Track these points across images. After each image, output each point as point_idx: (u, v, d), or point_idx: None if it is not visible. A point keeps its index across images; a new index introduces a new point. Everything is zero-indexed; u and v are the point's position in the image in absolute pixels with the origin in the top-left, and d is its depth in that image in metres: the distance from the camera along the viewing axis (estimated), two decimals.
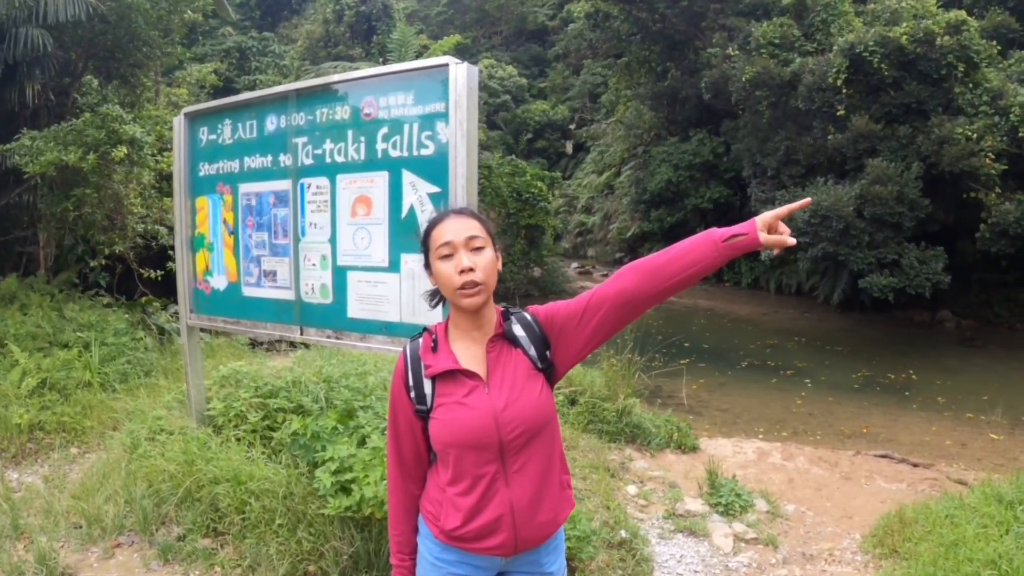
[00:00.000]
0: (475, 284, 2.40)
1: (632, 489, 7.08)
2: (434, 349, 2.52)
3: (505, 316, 2.59)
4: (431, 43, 33.77)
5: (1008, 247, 19.72)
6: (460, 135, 3.83)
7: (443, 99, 3.96)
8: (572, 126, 48.33)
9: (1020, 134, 18.93)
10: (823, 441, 11.56)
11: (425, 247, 2.53)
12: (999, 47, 21.39)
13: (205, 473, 5.21)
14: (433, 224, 2.51)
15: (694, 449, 8.95)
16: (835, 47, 21.35)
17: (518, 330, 2.55)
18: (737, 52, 24.51)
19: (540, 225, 26.18)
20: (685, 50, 30.83)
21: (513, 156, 32.20)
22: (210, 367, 7.75)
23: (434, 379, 2.49)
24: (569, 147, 47.72)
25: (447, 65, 3.92)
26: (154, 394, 8.00)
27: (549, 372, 2.57)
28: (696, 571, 5.60)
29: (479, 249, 2.45)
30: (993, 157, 19.19)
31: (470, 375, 2.47)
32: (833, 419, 13.09)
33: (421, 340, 2.58)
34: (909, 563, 5.53)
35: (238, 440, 5.58)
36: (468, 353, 2.51)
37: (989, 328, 22.34)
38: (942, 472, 9.59)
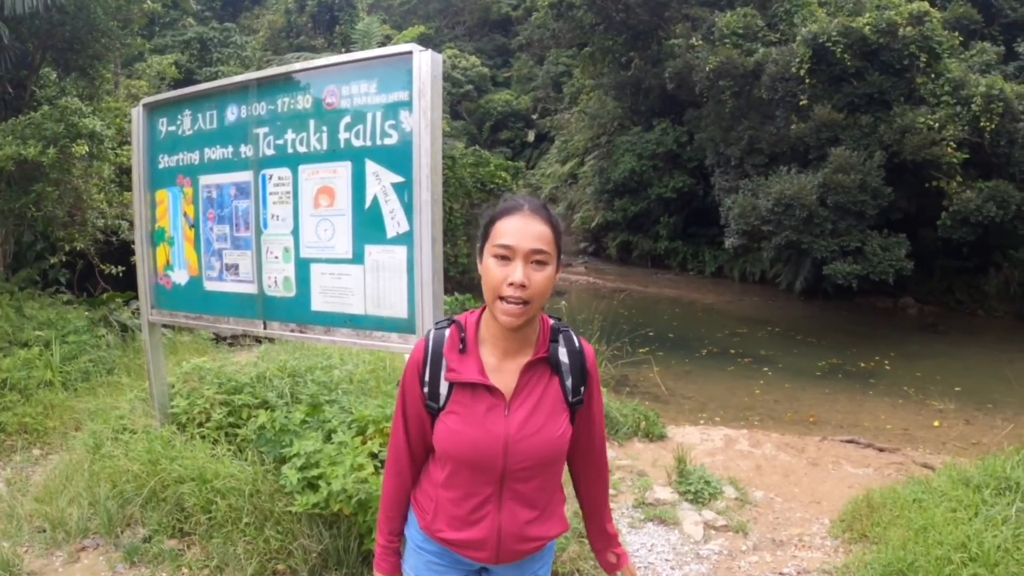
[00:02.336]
0: (522, 302, 2.15)
1: None
2: (462, 349, 2.30)
3: (553, 335, 2.37)
4: (394, 33, 33.52)
5: (969, 234, 20.08)
6: (424, 124, 3.76)
7: (407, 87, 3.88)
8: (535, 116, 48.14)
9: (981, 123, 19.26)
10: (790, 427, 11.62)
11: (484, 234, 2.25)
12: (961, 38, 21.69)
13: (169, 472, 5.10)
14: (500, 215, 2.23)
15: (662, 437, 8.95)
16: (798, 37, 21.51)
17: (563, 355, 2.35)
18: (701, 42, 24.61)
19: None
20: (649, 40, 30.72)
21: (476, 146, 32.04)
22: (174, 363, 7.63)
23: (452, 384, 2.29)
24: (531, 136, 47.53)
25: (411, 53, 3.85)
26: (117, 392, 7.86)
27: (576, 409, 2.39)
28: (667, 560, 5.59)
29: (541, 264, 2.18)
30: (955, 146, 19.53)
31: (493, 391, 2.27)
32: (799, 405, 13.17)
33: (447, 332, 2.34)
34: (879, 547, 5.55)
35: (203, 438, 5.47)
36: (498, 364, 2.31)
37: (951, 314, 22.66)
38: (908, 456, 9.66)
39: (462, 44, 53.91)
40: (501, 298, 2.16)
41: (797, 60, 21.25)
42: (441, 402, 2.29)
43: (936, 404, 13.43)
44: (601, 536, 2.70)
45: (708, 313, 23.14)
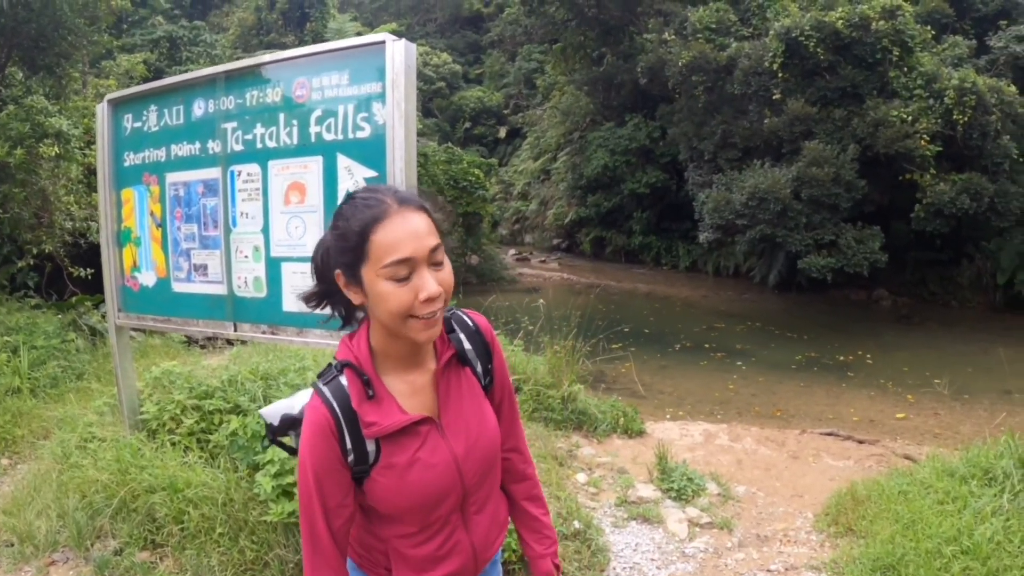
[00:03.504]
0: (437, 311, 1.88)
1: (582, 477, 6.96)
2: (370, 396, 1.94)
3: (447, 325, 2.12)
4: (366, 30, 33.32)
5: (943, 226, 20.24)
6: (398, 116, 3.62)
7: (380, 79, 3.74)
8: (508, 112, 48.04)
9: (954, 116, 19.38)
10: (768, 421, 11.57)
11: (353, 254, 1.86)
12: (933, 32, 21.87)
13: (140, 482, 4.93)
14: (371, 225, 1.84)
15: (641, 433, 8.86)
16: (771, 32, 21.55)
17: (465, 343, 2.14)
18: (673, 37, 24.64)
19: (478, 213, 25.99)
20: (621, 36, 30.76)
21: (449, 143, 31.96)
22: (144, 368, 7.43)
23: (378, 439, 1.94)
24: (503, 132, 47.43)
25: (383, 43, 3.70)
26: (86, 399, 7.67)
27: (490, 387, 2.20)
28: (653, 559, 5.50)
29: (439, 261, 1.89)
30: (928, 139, 19.65)
31: (422, 422, 1.99)
32: (776, 399, 13.14)
33: (344, 381, 1.94)
34: (867, 541, 5.49)
35: (174, 445, 5.30)
36: (409, 389, 2.02)
37: (925, 305, 22.81)
38: (888, 448, 9.64)
39: (433, 41, 53.86)
40: (415, 318, 1.85)
41: (770, 54, 21.32)
42: (370, 460, 1.94)
43: (914, 395, 13.45)
44: (536, 535, 2.38)
45: (683, 308, 23.11)
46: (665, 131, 28.89)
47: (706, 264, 28.35)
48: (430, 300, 1.83)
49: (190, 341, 11.79)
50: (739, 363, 15.83)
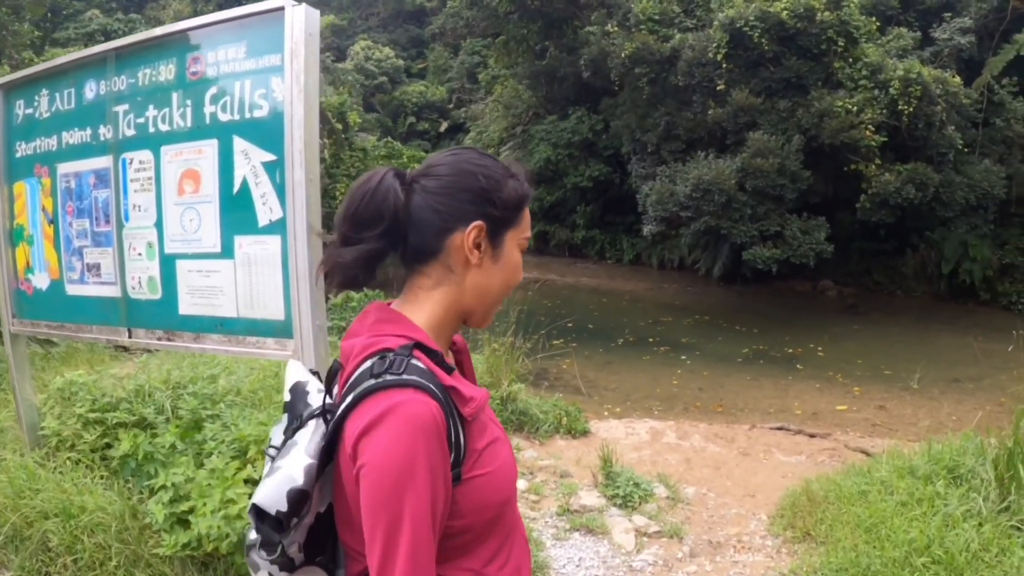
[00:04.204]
0: None
1: (522, 484, 6.58)
2: (450, 371, 1.61)
3: None
4: None
5: (888, 216, 20.42)
6: (297, 91, 3.17)
7: (279, 50, 3.29)
8: (451, 107, 47.58)
9: (899, 107, 19.48)
10: (716, 416, 11.31)
11: (508, 214, 1.66)
12: (878, 23, 21.89)
13: (34, 507, 4.42)
14: (526, 198, 1.72)
15: (585, 433, 8.53)
16: (715, 22, 21.39)
17: None
18: (616, 29, 24.29)
19: None
20: (563, 28, 30.45)
21: (389, 138, 31.43)
22: (61, 376, 6.85)
23: (468, 420, 1.59)
24: (444, 126, 46.97)
25: (282, 8, 3.25)
26: None
27: None
28: (597, 575, 5.13)
29: None
30: (873, 129, 19.72)
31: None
32: (724, 393, 12.95)
33: (419, 363, 1.55)
34: (827, 548, 5.18)
35: (75, 464, 4.81)
36: None
37: (870, 295, 23.00)
38: (839, 441, 9.44)
39: (376, 35, 53.24)
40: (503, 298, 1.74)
41: (714, 45, 21.13)
42: (462, 453, 1.55)
43: (862, 387, 13.33)
44: None
45: (628, 301, 22.93)
46: (608, 124, 28.69)
47: (650, 257, 28.12)
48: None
49: (118, 346, 11.15)
50: (684, 357, 15.64)
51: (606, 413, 10.89)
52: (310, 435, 1.58)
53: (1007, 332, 18.06)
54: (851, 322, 19.70)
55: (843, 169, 20.76)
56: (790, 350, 16.18)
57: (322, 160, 23.46)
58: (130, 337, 4.15)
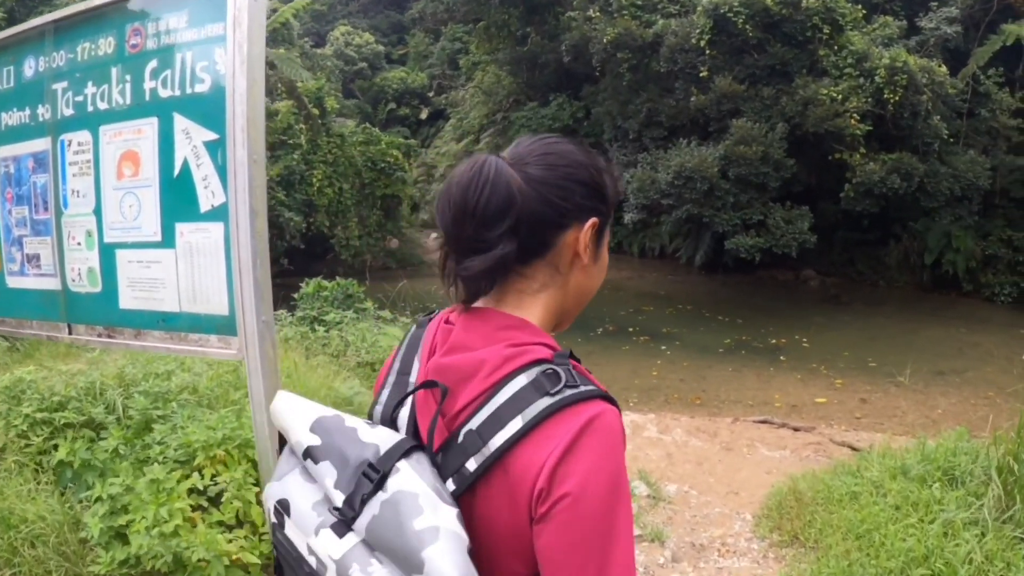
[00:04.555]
0: None
1: None
2: None
3: None
4: (279, 5, 32.14)
5: (872, 206, 20.25)
6: (239, 61, 2.82)
7: (222, 18, 2.95)
8: (432, 93, 47.11)
9: (885, 95, 19.34)
10: (697, 409, 11.06)
11: (610, 215, 1.54)
12: (864, 11, 21.72)
13: None
14: (621, 195, 1.62)
15: None
16: (699, 8, 21.17)
17: None
18: (598, 14, 23.88)
19: (396, 195, 25.45)
20: (545, 14, 30.08)
21: (367, 124, 31.03)
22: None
23: None
24: (426, 113, 46.55)
25: None
26: None
27: None
28: None
29: None
30: (858, 118, 19.54)
31: None
32: (706, 384, 12.77)
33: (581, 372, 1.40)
34: (817, 556, 4.91)
35: (21, 468, 4.44)
36: None
37: (852, 285, 22.90)
38: (824, 435, 9.23)
39: (356, 21, 52.48)
40: None
41: (697, 31, 20.88)
42: None
43: (845, 378, 13.19)
44: None
45: (608, 290, 22.46)
46: (590, 111, 28.47)
47: (631, 245, 27.75)
48: None
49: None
50: (664, 347, 15.48)
51: None
52: (425, 480, 1.28)
53: (991, 323, 18.66)
54: (834, 312, 19.66)
55: (827, 158, 20.60)
56: (773, 340, 15.99)
57: (299, 146, 23.07)
58: (70, 334, 3.79)
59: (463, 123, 39.77)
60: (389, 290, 12.06)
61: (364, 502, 1.26)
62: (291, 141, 22.87)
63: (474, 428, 1.31)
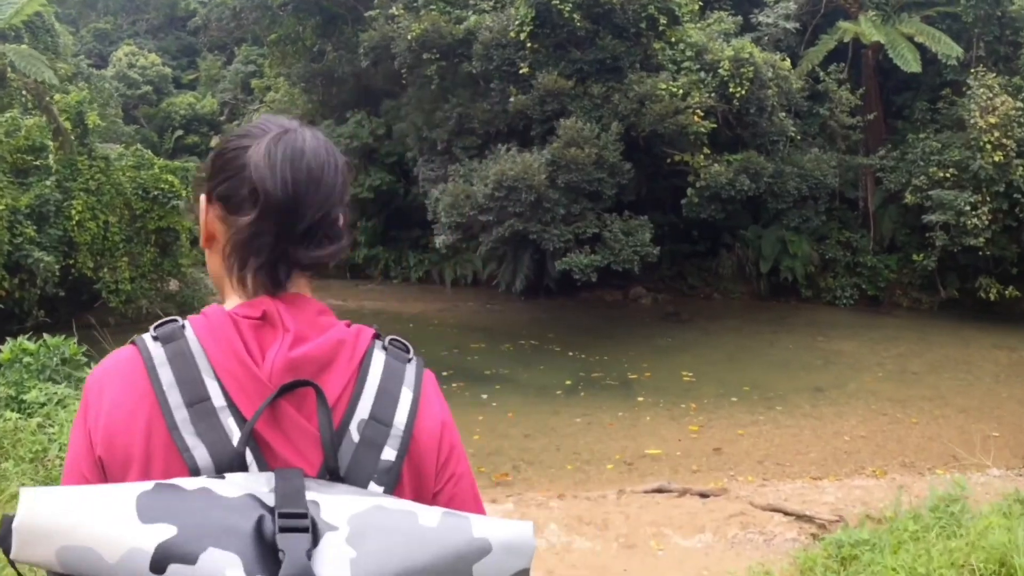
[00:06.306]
0: None
1: None
2: None
3: None
4: (65, 28, 28.94)
5: (718, 212, 19.39)
6: None
7: None
8: (223, 119, 44.25)
9: (731, 89, 18.62)
10: (559, 475, 8.55)
11: None
12: (700, 3, 21.76)
13: None
14: None
15: None
16: None
17: None
18: (402, 11, 21.68)
19: (173, 228, 21.96)
20: (343, 25, 28.29)
21: (139, 146, 27.63)
22: None
23: None
24: (214, 141, 43.73)
25: None
26: None
27: None
28: None
29: None
30: (702, 114, 18.54)
31: None
32: (561, 439, 10.51)
33: None
34: None
35: None
36: None
37: (686, 300, 22.34)
38: (741, 499, 6.93)
39: (142, 41, 49.46)
40: None
41: (517, 23, 18.97)
42: None
43: (719, 409, 11.58)
44: None
45: (418, 325, 20.61)
46: (391, 129, 26.95)
47: (441, 273, 26.67)
48: None
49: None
50: (490, 393, 13.23)
51: None
52: (360, 494, 1.17)
53: (840, 327, 18.33)
54: (678, 331, 18.89)
55: (659, 165, 19.80)
56: (617, 372, 14.36)
57: (53, 172, 19.49)
58: None
59: None
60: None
61: (311, 558, 1.06)
62: (42, 163, 19.34)
63: (366, 416, 1.25)
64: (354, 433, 1.19)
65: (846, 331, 17.71)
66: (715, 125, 18.84)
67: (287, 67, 32.25)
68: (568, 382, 13.66)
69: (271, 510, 1.06)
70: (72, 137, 20.24)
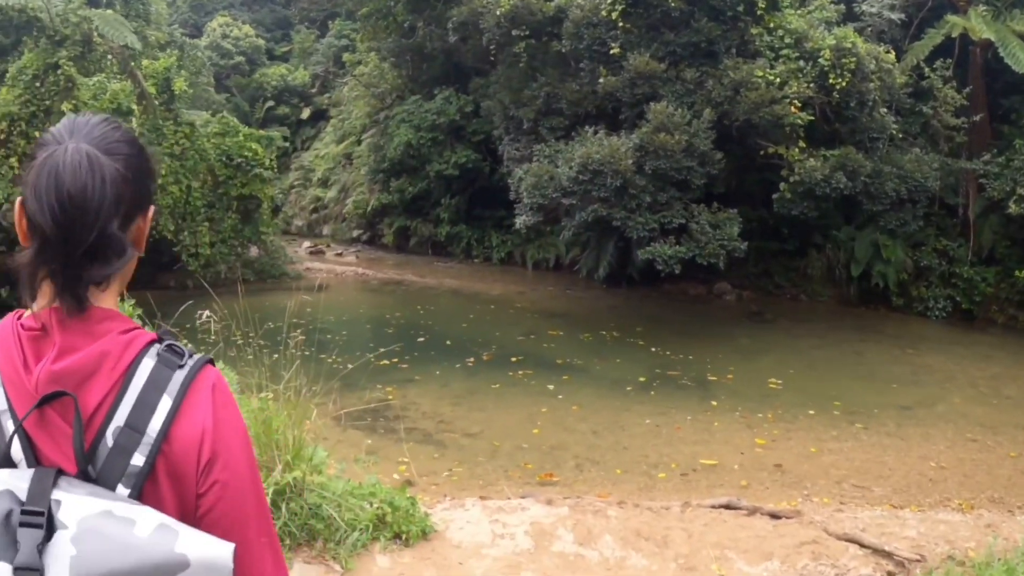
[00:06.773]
0: None
1: None
2: None
3: None
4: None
5: (811, 209, 18.37)
6: None
7: None
8: (315, 92, 44.40)
9: (831, 80, 17.76)
10: (625, 480, 8.01)
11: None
12: None
13: None
14: None
15: (424, 535, 5.16)
16: None
17: None
18: None
19: (255, 196, 22.22)
20: (434, 0, 27.52)
21: (224, 113, 27.83)
22: None
23: None
24: (306, 112, 43.77)
25: None
26: None
27: None
28: None
29: None
30: (799, 105, 17.63)
31: None
32: (629, 438, 10.04)
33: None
34: None
35: None
36: None
37: (772, 299, 21.47)
38: (815, 523, 6.29)
39: (237, 13, 49.97)
40: None
41: (609, 1, 18.29)
42: None
43: (798, 419, 10.86)
44: None
45: (497, 307, 20.19)
46: (479, 107, 26.21)
47: (523, 256, 26.22)
48: None
49: None
50: (561, 384, 12.59)
51: (464, 486, 7.34)
52: (101, 496, 1.24)
53: (931, 341, 16.99)
54: (760, 333, 17.99)
55: (752, 157, 18.86)
56: (694, 373, 13.61)
57: (139, 135, 19.60)
58: None
59: (344, 124, 38.25)
60: (242, 309, 8.68)
61: (42, 552, 1.18)
62: (126, 127, 19.50)
63: (121, 424, 1.30)
64: (109, 439, 1.26)
65: (936, 345, 16.61)
66: (812, 117, 18.00)
67: (378, 41, 31.89)
68: (642, 378, 12.96)
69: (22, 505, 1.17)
70: (157, 102, 20.33)
